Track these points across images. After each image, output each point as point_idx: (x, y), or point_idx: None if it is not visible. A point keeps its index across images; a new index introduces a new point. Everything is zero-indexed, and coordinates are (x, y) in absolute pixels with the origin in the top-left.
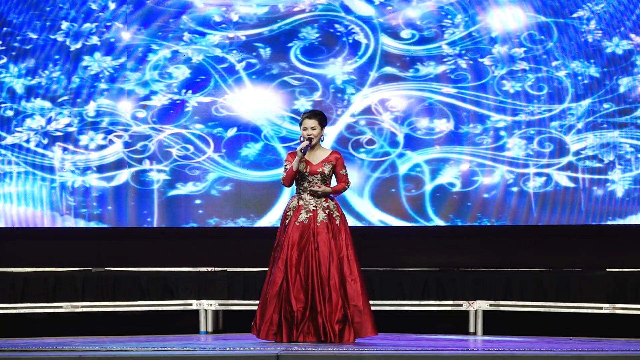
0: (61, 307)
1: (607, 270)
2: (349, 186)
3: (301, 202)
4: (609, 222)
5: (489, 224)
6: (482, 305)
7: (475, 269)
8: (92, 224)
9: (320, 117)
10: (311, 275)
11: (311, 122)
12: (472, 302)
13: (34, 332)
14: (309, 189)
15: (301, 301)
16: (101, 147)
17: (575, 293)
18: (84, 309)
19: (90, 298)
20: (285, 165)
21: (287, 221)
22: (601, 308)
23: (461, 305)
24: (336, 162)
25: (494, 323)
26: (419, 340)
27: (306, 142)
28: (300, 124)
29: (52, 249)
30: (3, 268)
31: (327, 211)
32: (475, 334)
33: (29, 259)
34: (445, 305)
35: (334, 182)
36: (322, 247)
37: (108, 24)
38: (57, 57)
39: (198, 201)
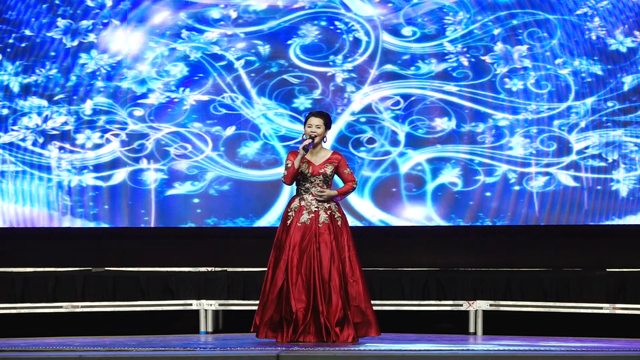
0: (61, 307)
1: (607, 270)
2: (356, 184)
3: (303, 203)
4: (609, 222)
5: (490, 223)
6: (482, 305)
7: (475, 269)
8: (89, 224)
9: (327, 118)
10: (313, 276)
11: (316, 121)
12: (472, 302)
13: (34, 332)
14: (310, 189)
15: (302, 302)
16: (98, 146)
17: (575, 293)
18: (84, 309)
19: (90, 298)
20: (287, 164)
21: (288, 221)
22: (601, 308)
23: (461, 305)
24: (338, 163)
25: (494, 323)
26: (419, 340)
27: (309, 140)
28: (305, 122)
29: (52, 249)
30: (3, 268)
31: (329, 212)
32: (475, 334)
33: (29, 259)
34: (445, 305)
35: (336, 184)
36: (323, 248)
37: (105, 21)
38: (53, 54)
39: (196, 201)
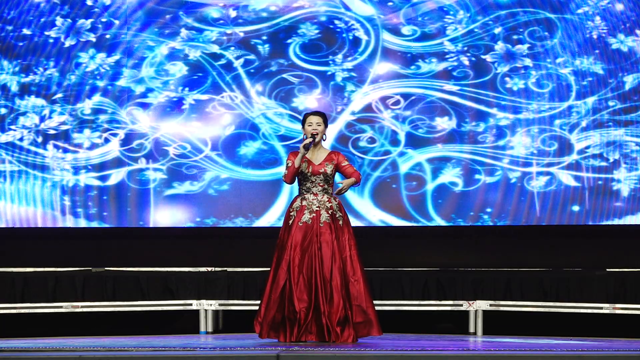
0: (61, 307)
1: (607, 270)
2: (359, 173)
3: (304, 202)
4: (609, 222)
5: (491, 223)
6: (482, 305)
7: (475, 269)
8: (89, 224)
9: (325, 117)
10: (314, 275)
11: (316, 119)
12: (472, 302)
13: (34, 332)
14: (312, 189)
15: (304, 301)
16: (97, 146)
17: (575, 293)
18: (84, 309)
19: (90, 298)
20: (287, 163)
21: (290, 221)
22: (601, 308)
23: (461, 305)
24: (337, 159)
25: (494, 323)
26: (419, 340)
27: (309, 140)
28: (304, 122)
29: (52, 249)
30: (3, 268)
31: (330, 211)
32: (475, 334)
33: (29, 259)
34: (445, 305)
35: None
36: (324, 247)
37: (104, 20)
38: (52, 54)
39: (195, 200)
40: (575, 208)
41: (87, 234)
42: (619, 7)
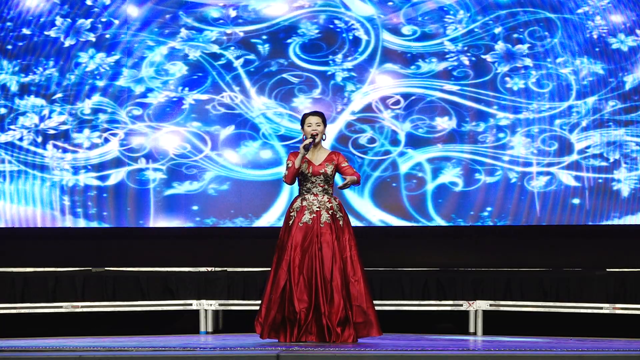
0: (61, 307)
1: (607, 270)
2: (358, 175)
3: (304, 203)
4: (609, 222)
5: (491, 223)
6: (482, 305)
7: (475, 269)
8: (89, 224)
9: (323, 117)
10: (315, 276)
11: (315, 119)
12: (472, 302)
13: (34, 332)
14: (312, 190)
15: (304, 302)
16: (96, 146)
17: (575, 293)
18: (84, 309)
19: (90, 298)
20: (287, 164)
21: (290, 222)
22: (601, 308)
23: (461, 305)
24: (337, 160)
25: (494, 323)
26: (419, 340)
27: (309, 140)
28: (303, 123)
29: (52, 249)
30: (3, 268)
31: (330, 212)
32: (475, 334)
33: (29, 259)
34: (445, 305)
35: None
36: (325, 248)
37: (104, 20)
38: (51, 53)
39: (195, 200)
40: (576, 207)
41: (87, 234)
42: (618, 17)
